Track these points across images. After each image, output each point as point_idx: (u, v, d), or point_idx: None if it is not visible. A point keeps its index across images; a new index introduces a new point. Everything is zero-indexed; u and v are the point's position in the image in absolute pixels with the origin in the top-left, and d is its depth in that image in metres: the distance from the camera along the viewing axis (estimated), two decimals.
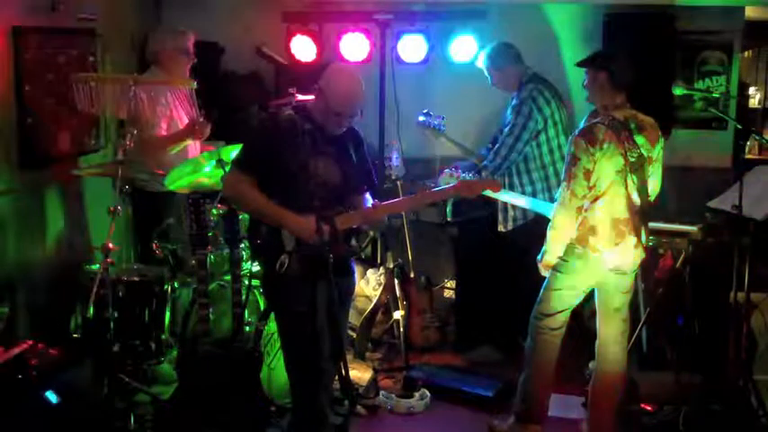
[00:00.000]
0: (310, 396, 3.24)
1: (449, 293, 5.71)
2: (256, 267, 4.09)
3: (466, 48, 5.25)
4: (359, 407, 4.26)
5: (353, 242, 3.33)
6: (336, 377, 3.12)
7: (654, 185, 3.73)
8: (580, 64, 3.78)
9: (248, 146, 3.32)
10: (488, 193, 3.60)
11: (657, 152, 3.69)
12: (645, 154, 3.62)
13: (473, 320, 5.18)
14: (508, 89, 4.81)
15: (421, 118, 4.96)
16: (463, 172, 4.23)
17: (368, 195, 3.41)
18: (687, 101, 5.48)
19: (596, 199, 3.62)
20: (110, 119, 4.76)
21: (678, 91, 3.98)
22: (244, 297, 3.91)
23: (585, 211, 3.65)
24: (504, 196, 4.47)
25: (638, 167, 3.60)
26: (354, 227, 3.29)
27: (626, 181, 3.60)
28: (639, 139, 3.61)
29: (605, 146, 3.55)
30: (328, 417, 3.31)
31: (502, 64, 4.77)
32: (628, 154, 3.57)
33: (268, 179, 3.18)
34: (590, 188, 3.60)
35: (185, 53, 4.67)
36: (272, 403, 3.97)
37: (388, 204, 3.44)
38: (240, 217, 3.92)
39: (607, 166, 3.57)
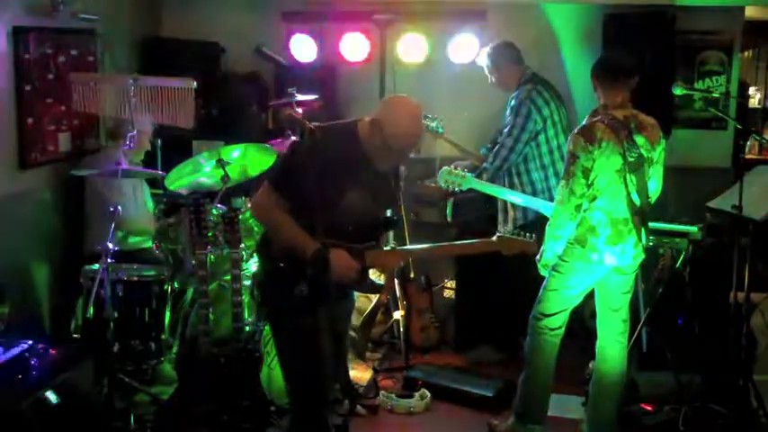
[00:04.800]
0: (310, 409, 3.15)
1: (449, 293, 5.71)
2: (254, 268, 4.09)
3: (466, 48, 5.24)
4: (359, 407, 4.26)
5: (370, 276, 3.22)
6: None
7: (655, 187, 3.73)
8: None
9: (291, 166, 3.01)
10: (489, 190, 3.58)
11: (658, 153, 3.69)
12: (645, 154, 3.61)
13: (473, 320, 5.18)
14: (507, 89, 4.80)
15: None
16: (462, 171, 4.24)
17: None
18: (687, 101, 5.48)
19: (595, 198, 3.62)
20: (110, 119, 4.75)
21: (678, 91, 3.98)
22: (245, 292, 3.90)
23: (585, 210, 3.65)
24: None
25: (637, 167, 3.59)
26: None
27: (625, 181, 3.60)
28: (639, 140, 3.61)
29: (603, 144, 3.55)
30: (329, 425, 3.26)
31: (502, 63, 4.76)
32: (627, 154, 3.56)
33: (303, 203, 2.94)
34: (588, 186, 3.60)
35: None
36: (272, 403, 3.97)
37: (416, 250, 3.62)
38: (240, 217, 3.91)
39: (605, 165, 3.57)
